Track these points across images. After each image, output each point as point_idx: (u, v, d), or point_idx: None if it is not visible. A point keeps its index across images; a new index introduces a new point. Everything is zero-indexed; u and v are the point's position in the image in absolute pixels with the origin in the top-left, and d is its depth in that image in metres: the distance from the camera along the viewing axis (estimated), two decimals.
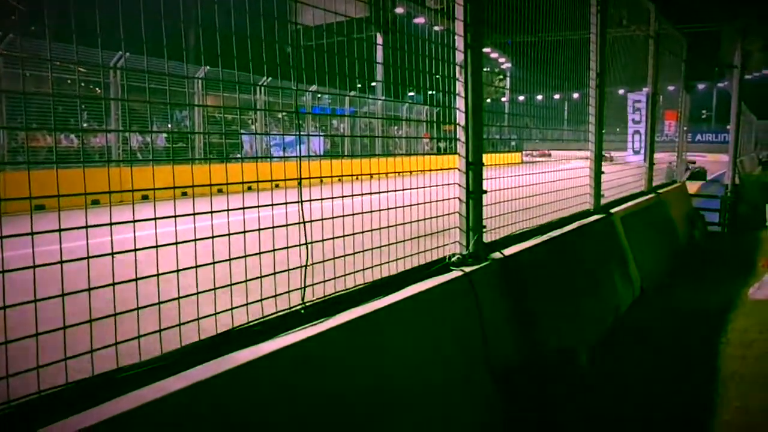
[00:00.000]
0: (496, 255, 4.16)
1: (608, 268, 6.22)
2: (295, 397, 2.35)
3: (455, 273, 3.71)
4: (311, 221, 2.79)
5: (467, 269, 3.79)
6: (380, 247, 3.33)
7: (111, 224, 2.08)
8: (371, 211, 3.25)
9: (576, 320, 4.98)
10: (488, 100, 4.50)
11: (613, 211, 7.12)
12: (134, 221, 2.11)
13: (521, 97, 5.86)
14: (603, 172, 6.97)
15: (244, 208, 2.53)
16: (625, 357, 4.98)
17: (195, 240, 2.34)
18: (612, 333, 5.54)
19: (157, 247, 2.23)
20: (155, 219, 2.20)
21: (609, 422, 3.87)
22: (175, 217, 2.28)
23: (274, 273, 2.68)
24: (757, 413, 3.91)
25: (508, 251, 4.32)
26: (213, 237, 2.40)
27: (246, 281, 2.55)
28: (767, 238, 7.55)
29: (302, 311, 2.74)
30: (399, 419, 2.83)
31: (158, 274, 2.23)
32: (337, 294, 3.01)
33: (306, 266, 2.77)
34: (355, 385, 2.65)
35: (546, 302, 4.52)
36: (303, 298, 2.78)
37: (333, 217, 2.96)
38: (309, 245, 2.77)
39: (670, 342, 5.39)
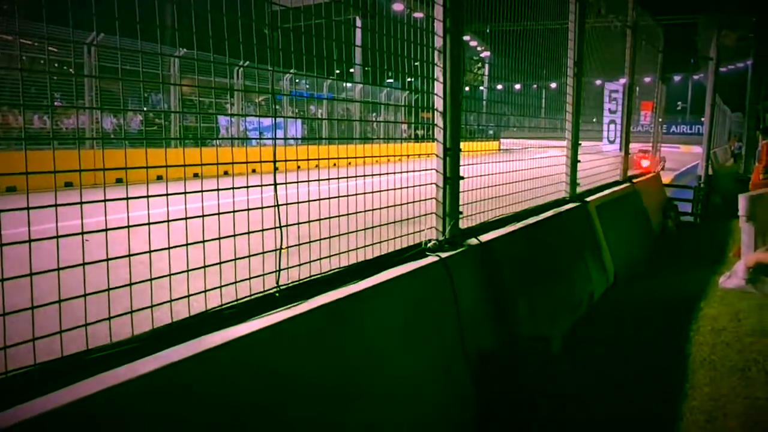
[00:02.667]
0: (473, 241, 4.17)
1: (583, 256, 6.28)
2: (267, 380, 2.33)
3: (431, 258, 3.71)
4: (286, 204, 2.77)
5: (443, 255, 3.79)
6: (356, 231, 3.32)
7: (81, 203, 2.04)
8: (347, 195, 3.24)
9: (551, 307, 5.02)
10: (467, 88, 4.49)
11: (588, 199, 7.19)
12: (105, 201, 2.07)
13: (500, 86, 5.85)
14: (579, 161, 7.03)
15: (218, 190, 2.50)
16: (598, 344, 5.04)
17: (168, 221, 2.31)
18: (586, 320, 5.61)
19: (128, 227, 2.20)
20: (127, 199, 2.16)
21: (580, 409, 3.91)
22: (148, 197, 2.24)
23: (249, 256, 2.66)
24: (726, 399, 3.99)
25: (484, 237, 4.34)
26: (186, 218, 2.37)
27: (220, 263, 2.52)
28: (738, 228, 7.67)
29: (276, 294, 2.72)
30: (371, 405, 2.83)
31: (129, 255, 2.20)
32: (311, 278, 3.00)
33: (280, 249, 2.75)
34: (328, 369, 2.64)
35: (521, 289, 4.55)
36: (278, 282, 2.77)
37: (309, 201, 2.93)
38: (283, 229, 2.75)
39: (642, 330, 5.47)
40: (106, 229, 2.10)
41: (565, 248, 6.01)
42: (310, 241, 2.98)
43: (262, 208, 2.69)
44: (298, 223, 2.91)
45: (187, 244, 2.38)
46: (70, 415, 1.67)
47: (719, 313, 5.84)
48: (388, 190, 3.58)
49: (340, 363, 2.72)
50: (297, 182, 2.89)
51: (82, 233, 2.02)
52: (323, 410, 2.55)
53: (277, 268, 2.76)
